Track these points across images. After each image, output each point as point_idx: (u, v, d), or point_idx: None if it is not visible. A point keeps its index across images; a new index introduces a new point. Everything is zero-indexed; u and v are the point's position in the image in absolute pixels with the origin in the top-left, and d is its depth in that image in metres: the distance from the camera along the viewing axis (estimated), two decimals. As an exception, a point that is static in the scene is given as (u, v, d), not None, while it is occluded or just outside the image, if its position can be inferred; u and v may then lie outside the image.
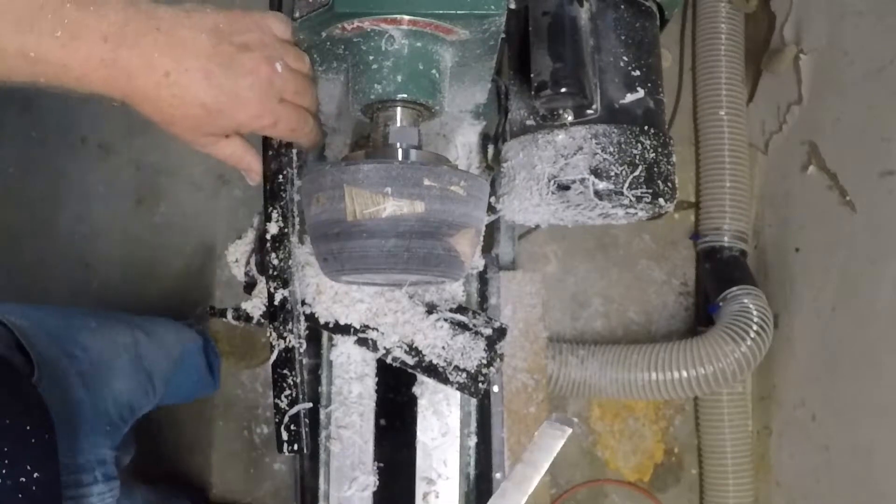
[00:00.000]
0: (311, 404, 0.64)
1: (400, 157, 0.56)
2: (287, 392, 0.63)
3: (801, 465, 1.31)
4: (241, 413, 1.48)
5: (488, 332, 0.74)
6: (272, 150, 0.63)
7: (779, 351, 1.35)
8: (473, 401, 0.87)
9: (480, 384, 0.73)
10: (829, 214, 1.23)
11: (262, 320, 0.69)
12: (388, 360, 0.73)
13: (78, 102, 1.54)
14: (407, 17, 0.53)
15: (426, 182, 0.52)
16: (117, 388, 0.89)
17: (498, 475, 0.84)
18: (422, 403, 0.79)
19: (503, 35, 0.56)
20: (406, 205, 0.52)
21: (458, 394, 0.78)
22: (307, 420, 0.64)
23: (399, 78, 0.55)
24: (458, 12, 0.52)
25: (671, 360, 1.31)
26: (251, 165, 0.60)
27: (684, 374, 1.29)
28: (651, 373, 1.32)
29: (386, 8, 0.52)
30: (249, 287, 0.71)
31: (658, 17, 0.70)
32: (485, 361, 0.73)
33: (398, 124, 0.57)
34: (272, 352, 0.64)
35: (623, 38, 0.66)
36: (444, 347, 0.72)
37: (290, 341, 0.63)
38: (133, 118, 1.58)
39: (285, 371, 0.63)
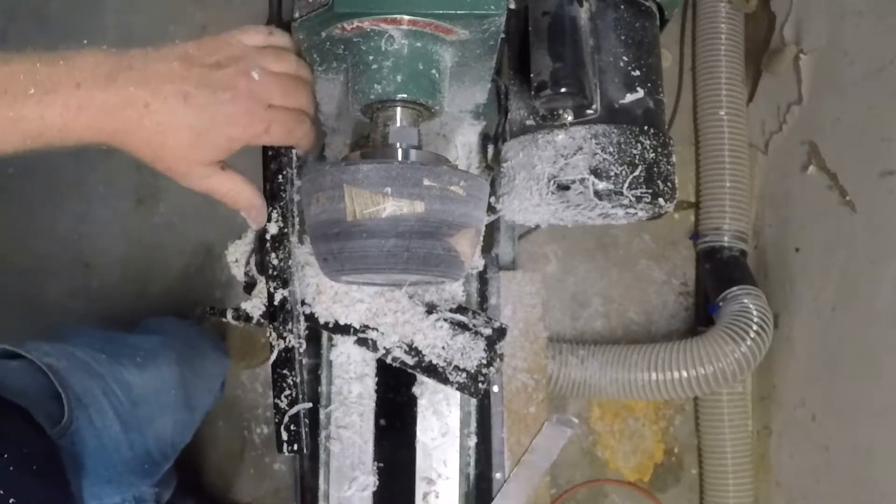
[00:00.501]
0: (310, 404, 0.64)
1: (400, 157, 0.56)
2: (287, 392, 0.63)
3: (801, 465, 1.31)
4: (241, 413, 1.48)
5: (488, 332, 0.74)
6: (272, 151, 0.63)
7: (779, 351, 1.35)
8: (473, 401, 0.87)
9: (480, 384, 0.73)
10: (829, 214, 1.23)
11: (262, 320, 0.69)
12: (388, 360, 0.73)
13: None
14: (407, 17, 0.53)
15: (426, 182, 0.52)
16: (161, 426, 0.87)
17: (498, 475, 0.84)
18: (422, 403, 0.79)
19: (503, 35, 0.56)
20: (406, 205, 0.52)
21: (458, 394, 0.78)
22: (307, 420, 0.64)
23: (399, 78, 0.55)
24: (458, 12, 0.52)
25: (671, 360, 1.31)
26: (252, 202, 0.58)
27: (684, 374, 1.29)
28: (651, 373, 1.32)
29: (386, 8, 0.52)
30: (249, 287, 0.71)
31: (658, 17, 0.70)
32: (485, 361, 0.73)
33: (398, 124, 0.57)
34: (272, 352, 0.64)
35: (623, 38, 0.66)
36: (443, 347, 0.72)
37: (289, 341, 0.63)
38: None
39: (285, 371, 0.63)
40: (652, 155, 0.65)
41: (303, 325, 0.65)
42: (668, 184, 0.66)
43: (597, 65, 0.65)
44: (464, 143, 0.81)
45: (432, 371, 0.72)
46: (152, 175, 1.54)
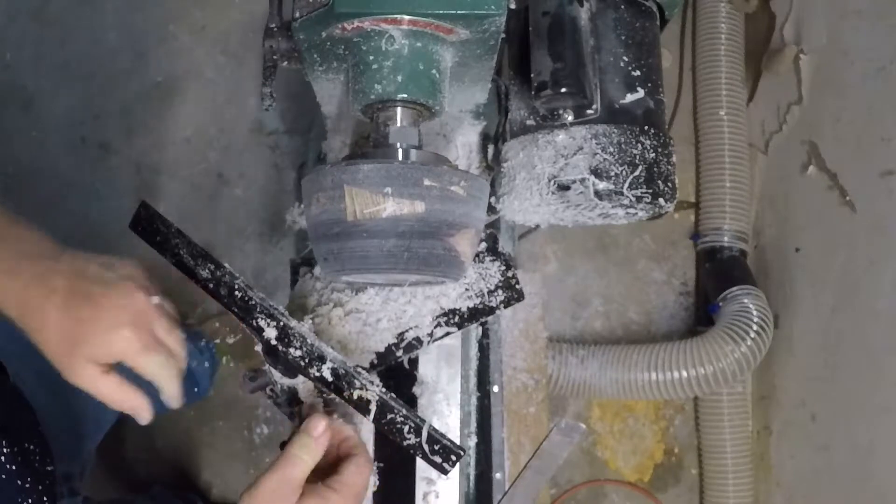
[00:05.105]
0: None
1: (400, 157, 0.56)
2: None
3: (801, 465, 1.31)
4: (241, 413, 1.48)
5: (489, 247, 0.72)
6: (212, 283, 0.58)
7: (779, 351, 1.35)
8: (473, 400, 0.87)
9: (517, 286, 0.71)
10: (829, 214, 1.23)
11: (331, 396, 0.61)
12: (441, 336, 0.69)
13: (78, 102, 1.54)
14: (407, 17, 0.53)
15: (426, 182, 0.52)
16: (83, 402, 0.86)
17: (498, 475, 0.84)
18: (422, 403, 0.78)
19: (503, 35, 0.56)
20: (406, 205, 0.52)
21: (458, 394, 0.78)
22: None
23: (399, 78, 0.55)
24: (458, 12, 0.52)
25: (671, 360, 1.31)
26: (139, 405, 0.60)
27: (684, 374, 1.29)
28: (651, 373, 1.32)
29: (386, 8, 0.52)
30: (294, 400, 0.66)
31: (658, 17, 0.70)
32: (504, 268, 0.71)
33: (398, 124, 0.57)
34: (370, 408, 0.56)
35: (623, 38, 0.66)
36: (466, 289, 0.70)
37: (372, 394, 0.56)
38: (133, 118, 1.58)
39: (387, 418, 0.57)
40: (652, 155, 0.65)
41: (373, 376, 0.58)
42: (669, 184, 0.66)
43: (597, 65, 0.65)
44: (464, 143, 0.81)
45: (480, 313, 0.70)
46: (152, 175, 1.54)
